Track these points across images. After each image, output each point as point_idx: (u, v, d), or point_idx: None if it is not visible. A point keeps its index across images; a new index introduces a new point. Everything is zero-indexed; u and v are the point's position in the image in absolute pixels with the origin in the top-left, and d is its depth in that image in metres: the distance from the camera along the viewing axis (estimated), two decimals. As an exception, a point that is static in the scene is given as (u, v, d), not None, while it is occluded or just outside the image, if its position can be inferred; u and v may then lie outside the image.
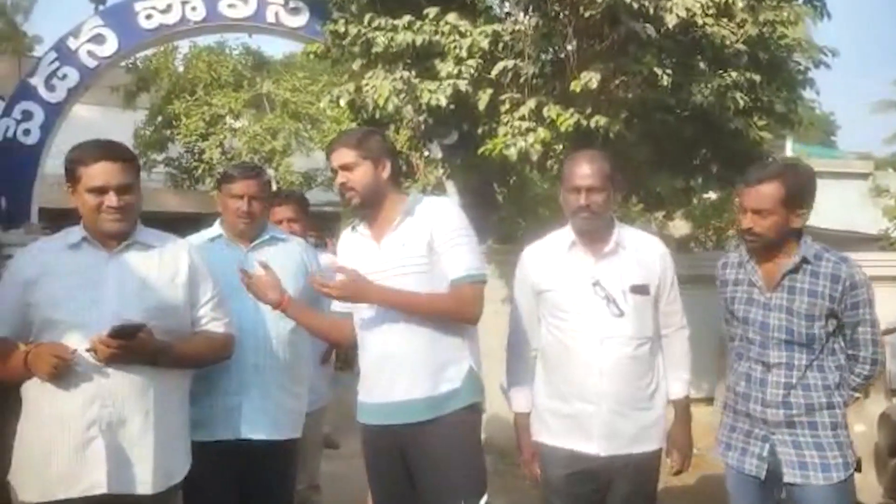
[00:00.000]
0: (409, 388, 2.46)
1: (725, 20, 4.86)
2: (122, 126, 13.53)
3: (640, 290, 2.60)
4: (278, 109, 12.49)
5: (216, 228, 2.89)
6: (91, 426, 2.14)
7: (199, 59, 12.94)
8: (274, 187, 12.94)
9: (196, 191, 13.85)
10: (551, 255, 2.69)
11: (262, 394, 2.77)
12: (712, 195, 10.79)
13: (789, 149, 12.08)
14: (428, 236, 2.46)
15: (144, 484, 2.21)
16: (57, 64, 5.97)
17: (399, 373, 2.47)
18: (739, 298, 2.62)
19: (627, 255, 2.62)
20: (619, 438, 2.61)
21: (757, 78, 5.04)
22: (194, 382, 2.53)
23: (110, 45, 6.09)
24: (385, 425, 2.51)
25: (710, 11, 4.66)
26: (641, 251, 2.64)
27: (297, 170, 12.71)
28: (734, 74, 4.71)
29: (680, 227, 11.87)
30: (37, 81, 5.93)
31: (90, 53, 6.05)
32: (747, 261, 2.62)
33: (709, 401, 6.11)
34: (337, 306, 2.62)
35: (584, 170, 2.55)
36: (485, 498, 2.47)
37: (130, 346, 2.13)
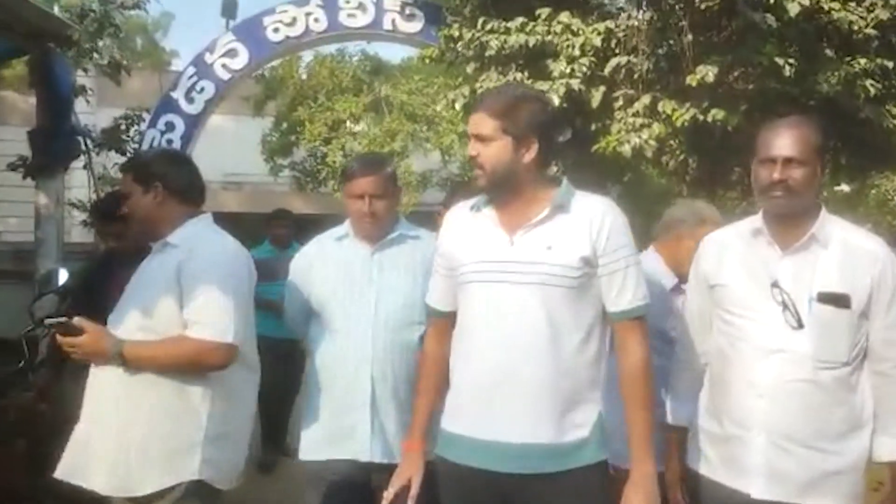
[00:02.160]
0: (529, 429, 1.95)
1: (853, 4, 4.66)
2: (252, 133, 14.35)
3: (833, 299, 2.04)
4: (396, 112, 12.82)
5: (345, 226, 2.64)
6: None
7: (321, 66, 13.49)
8: None
9: (319, 193, 14.47)
10: (730, 244, 2.20)
11: (383, 412, 2.48)
12: (844, 187, 10.26)
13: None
14: (588, 246, 1.96)
15: (97, 483, 2.16)
16: (195, 78, 6.46)
17: (516, 405, 1.96)
18: None
19: (827, 255, 2.06)
20: (784, 483, 2.07)
21: (890, 64, 4.81)
22: (317, 395, 2.48)
23: (242, 59, 6.52)
24: (484, 470, 1.97)
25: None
26: (851, 253, 2.07)
27: (414, 170, 13.04)
28: (863, 61, 4.50)
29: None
30: (178, 95, 6.44)
31: (224, 67, 6.51)
32: None
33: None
34: (434, 302, 2.21)
35: (784, 138, 2.05)
36: None
37: (72, 343, 2.10)
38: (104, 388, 2.19)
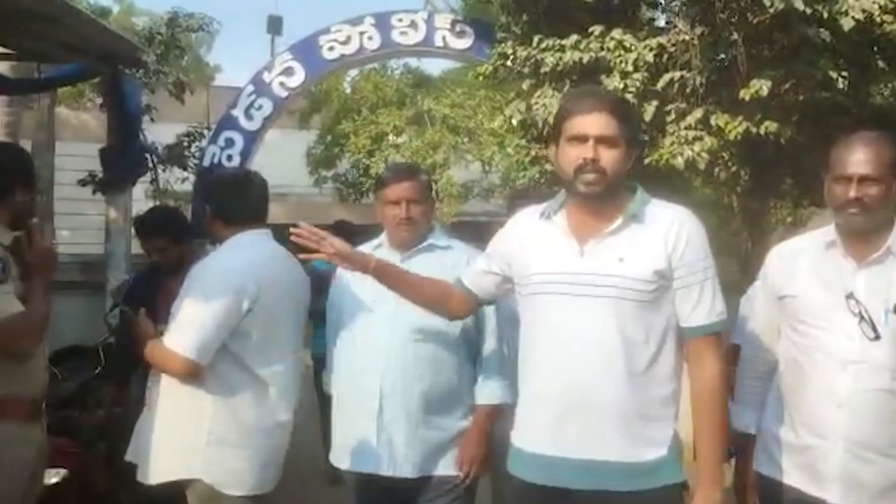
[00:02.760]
0: (605, 446, 1.92)
1: (905, 16, 4.70)
2: (297, 145, 14.66)
3: None
4: (438, 124, 13.03)
5: (382, 237, 2.61)
6: None
7: (365, 80, 13.77)
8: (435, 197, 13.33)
9: (361, 204, 14.73)
10: (802, 255, 2.22)
11: (392, 426, 2.44)
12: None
13: None
14: (663, 258, 1.91)
15: (139, 472, 2.45)
16: (254, 96, 6.71)
17: (590, 422, 1.92)
18: None
19: None
20: (862, 489, 2.11)
21: (943, 76, 4.84)
22: (337, 406, 2.54)
23: (298, 77, 6.75)
24: (559, 489, 1.94)
25: (890, 8, 4.53)
26: None
27: (456, 181, 13.22)
28: (916, 74, 4.56)
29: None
30: (237, 112, 6.69)
31: (282, 84, 6.74)
32: None
33: None
34: (469, 283, 2.18)
35: (859, 155, 2.07)
36: None
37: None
38: (153, 389, 2.45)
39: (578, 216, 1.95)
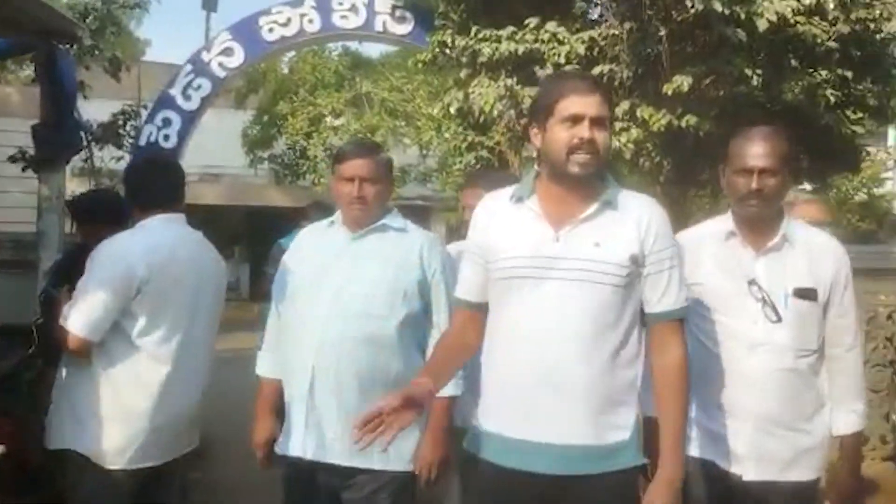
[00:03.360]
0: (570, 429, 1.92)
1: (817, 19, 5.03)
2: (233, 125, 14.50)
3: (805, 294, 2.22)
4: (376, 108, 13.12)
5: (337, 214, 2.57)
6: None
7: (303, 61, 13.72)
8: None
9: (297, 186, 14.68)
10: (705, 245, 2.31)
11: (335, 408, 2.35)
12: (807, 187, 10.76)
13: (892, 138, 11.81)
14: (637, 244, 1.93)
15: None
16: (192, 76, 6.67)
17: (559, 405, 1.92)
18: None
19: (795, 253, 2.24)
20: (771, 462, 2.24)
21: (849, 74, 5.21)
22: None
23: (238, 57, 6.74)
24: (523, 471, 1.93)
25: (802, 10, 4.84)
26: (814, 250, 2.26)
27: (394, 165, 13.34)
28: (824, 72, 4.89)
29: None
30: (175, 92, 6.64)
31: (220, 65, 6.72)
32: None
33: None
34: (464, 293, 2.11)
35: (758, 148, 2.17)
36: None
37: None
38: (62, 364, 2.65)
39: (552, 201, 1.95)
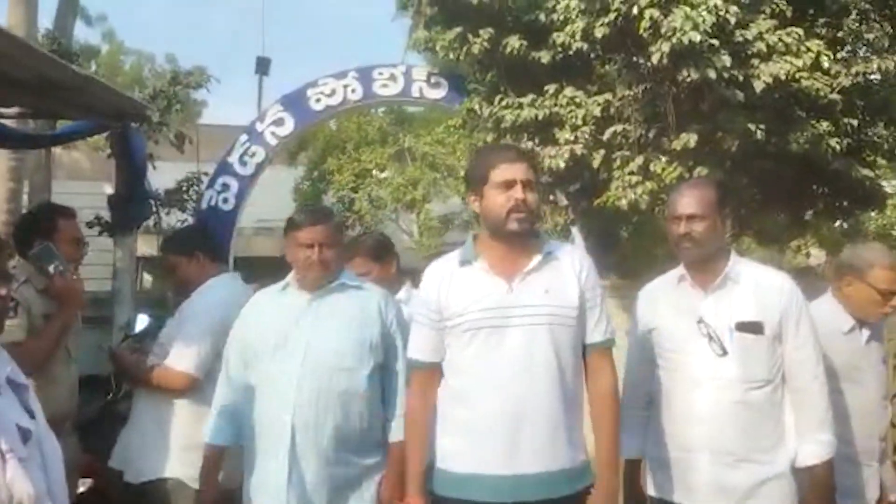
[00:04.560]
0: (550, 458, 2.12)
1: (819, 73, 5.40)
2: (285, 181, 15.26)
3: (749, 327, 2.32)
4: (418, 161, 13.71)
5: (288, 277, 2.66)
6: None
7: (349, 120, 14.45)
8: (415, 231, 13.80)
9: (346, 236, 15.29)
10: (660, 291, 2.52)
11: (311, 461, 2.44)
12: (843, 225, 10.92)
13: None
14: (577, 287, 2.18)
15: None
16: (248, 144, 7.34)
17: (538, 437, 2.10)
18: None
19: (739, 290, 2.36)
20: (729, 493, 2.30)
21: (854, 122, 5.55)
22: (250, 443, 2.58)
23: (288, 126, 7.40)
24: (501, 503, 2.11)
25: (801, 69, 5.19)
26: (761, 286, 2.36)
27: (434, 215, 13.88)
28: (825, 124, 5.23)
29: (818, 256, 12.03)
30: (232, 159, 7.32)
31: (273, 134, 7.39)
32: None
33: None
34: (420, 355, 2.27)
35: (685, 197, 2.38)
36: None
37: None
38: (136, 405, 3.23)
39: (497, 259, 2.19)
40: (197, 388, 2.99)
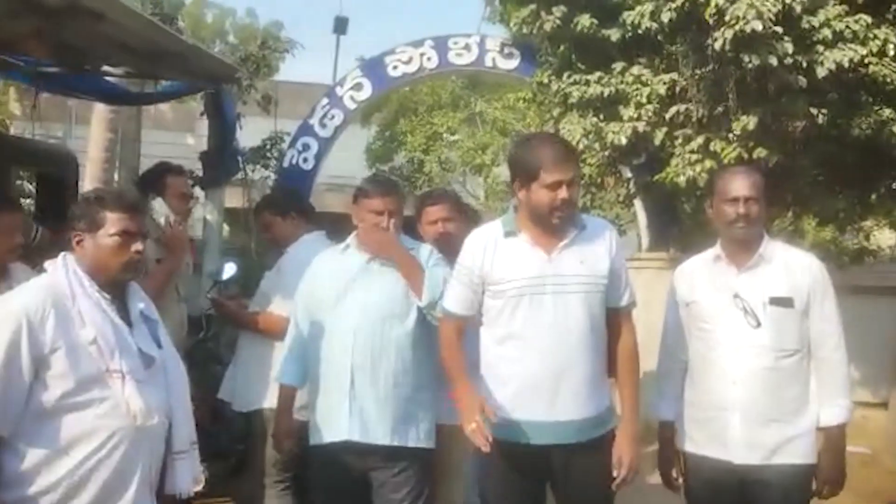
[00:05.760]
0: (584, 407, 2.43)
1: (888, 59, 5.44)
2: (358, 141, 15.75)
3: (781, 302, 2.56)
4: (489, 126, 13.96)
5: (349, 239, 2.98)
6: None
7: (422, 83, 14.76)
8: (482, 195, 14.09)
9: (414, 196, 15.72)
10: (698, 269, 2.75)
11: (371, 397, 2.74)
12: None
13: None
14: (608, 259, 2.47)
15: None
16: (328, 107, 7.78)
17: (576, 389, 2.42)
18: None
19: (772, 268, 2.60)
20: (759, 448, 2.55)
21: (920, 111, 5.57)
22: (314, 386, 2.90)
23: (366, 91, 7.80)
24: (545, 445, 2.43)
25: (875, 53, 5.23)
26: (790, 265, 2.61)
27: (503, 179, 14.16)
28: (888, 111, 5.29)
29: (887, 237, 11.87)
30: (313, 121, 7.77)
31: (351, 98, 7.80)
32: None
33: (884, 405, 6.55)
34: (455, 307, 2.54)
35: (742, 181, 2.59)
36: None
37: None
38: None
39: (537, 232, 2.47)
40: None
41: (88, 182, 9.38)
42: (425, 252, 2.90)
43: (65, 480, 2.03)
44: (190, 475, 2.29)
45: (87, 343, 2.07)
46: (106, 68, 5.96)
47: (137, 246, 2.21)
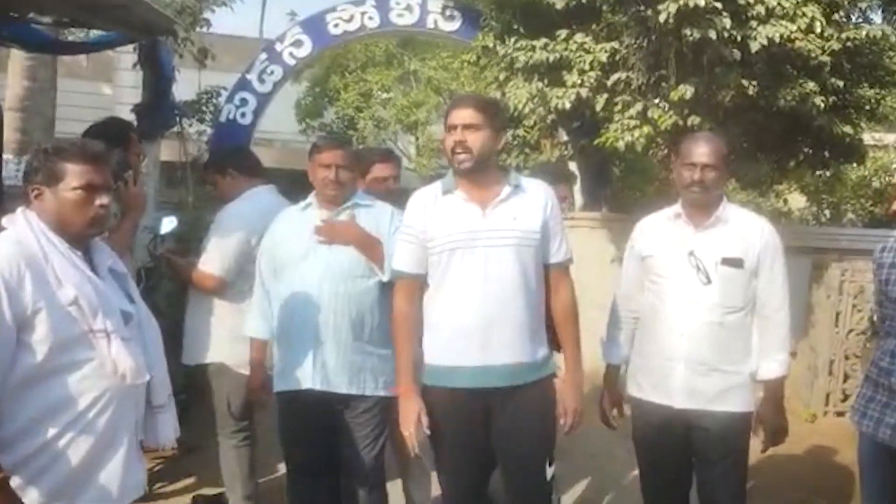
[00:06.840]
0: (516, 352, 2.51)
1: (812, 36, 5.76)
2: (288, 96, 15.43)
3: (732, 262, 2.66)
4: (423, 84, 13.92)
5: (309, 197, 3.04)
6: None
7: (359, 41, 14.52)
8: (413, 153, 14.10)
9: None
10: (657, 226, 2.84)
11: (335, 349, 2.84)
12: (826, 173, 11.44)
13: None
14: (542, 216, 2.54)
15: None
16: (267, 63, 7.67)
17: (507, 336, 2.49)
18: (894, 280, 2.62)
19: (727, 230, 2.70)
20: (699, 395, 2.68)
21: (840, 83, 5.95)
22: (280, 339, 2.99)
23: (306, 48, 7.72)
24: (478, 388, 2.50)
25: (796, 31, 5.55)
26: (744, 228, 2.71)
27: (436, 138, 14.20)
28: (811, 84, 5.63)
29: (798, 200, 12.62)
30: (251, 76, 7.65)
31: (291, 55, 7.71)
32: None
33: (794, 354, 7.05)
34: (405, 266, 2.59)
35: (702, 148, 2.66)
36: (554, 465, 2.61)
37: None
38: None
39: (472, 189, 2.54)
40: (226, 287, 3.45)
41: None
42: (387, 214, 2.97)
43: (53, 443, 1.97)
44: (171, 427, 2.29)
45: (67, 304, 1.97)
46: (33, 15, 5.68)
47: (103, 200, 2.08)
